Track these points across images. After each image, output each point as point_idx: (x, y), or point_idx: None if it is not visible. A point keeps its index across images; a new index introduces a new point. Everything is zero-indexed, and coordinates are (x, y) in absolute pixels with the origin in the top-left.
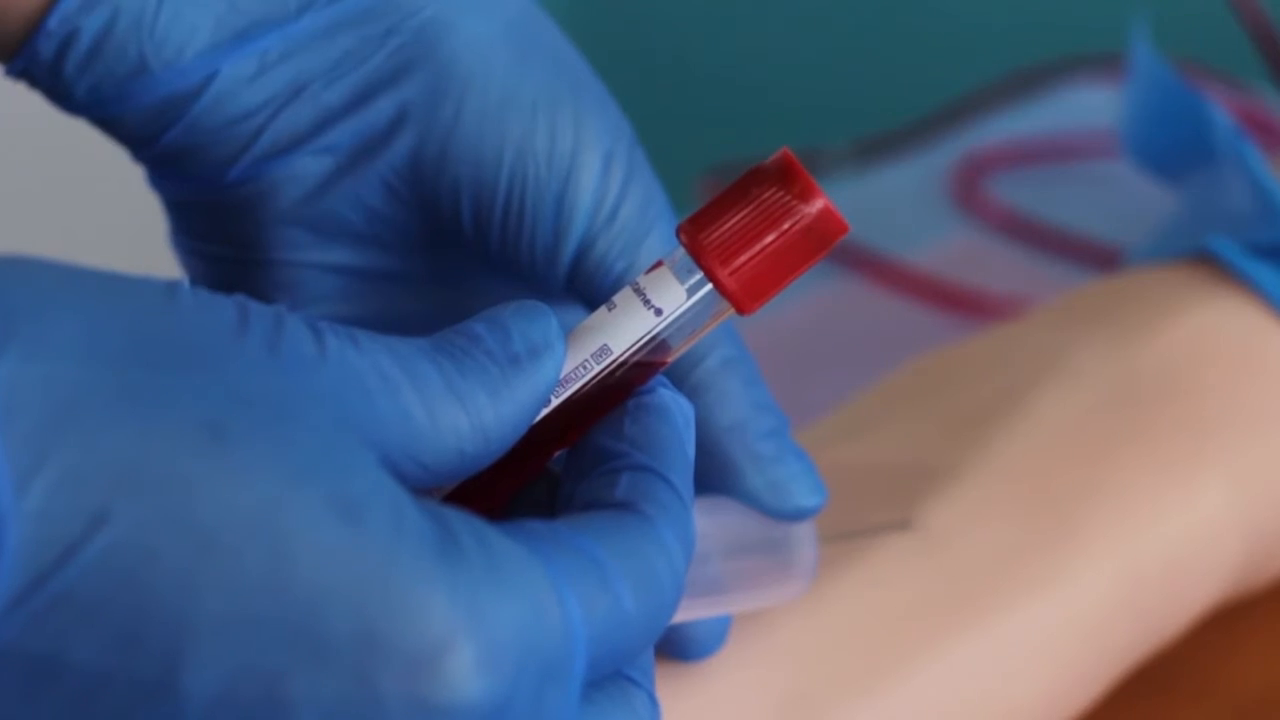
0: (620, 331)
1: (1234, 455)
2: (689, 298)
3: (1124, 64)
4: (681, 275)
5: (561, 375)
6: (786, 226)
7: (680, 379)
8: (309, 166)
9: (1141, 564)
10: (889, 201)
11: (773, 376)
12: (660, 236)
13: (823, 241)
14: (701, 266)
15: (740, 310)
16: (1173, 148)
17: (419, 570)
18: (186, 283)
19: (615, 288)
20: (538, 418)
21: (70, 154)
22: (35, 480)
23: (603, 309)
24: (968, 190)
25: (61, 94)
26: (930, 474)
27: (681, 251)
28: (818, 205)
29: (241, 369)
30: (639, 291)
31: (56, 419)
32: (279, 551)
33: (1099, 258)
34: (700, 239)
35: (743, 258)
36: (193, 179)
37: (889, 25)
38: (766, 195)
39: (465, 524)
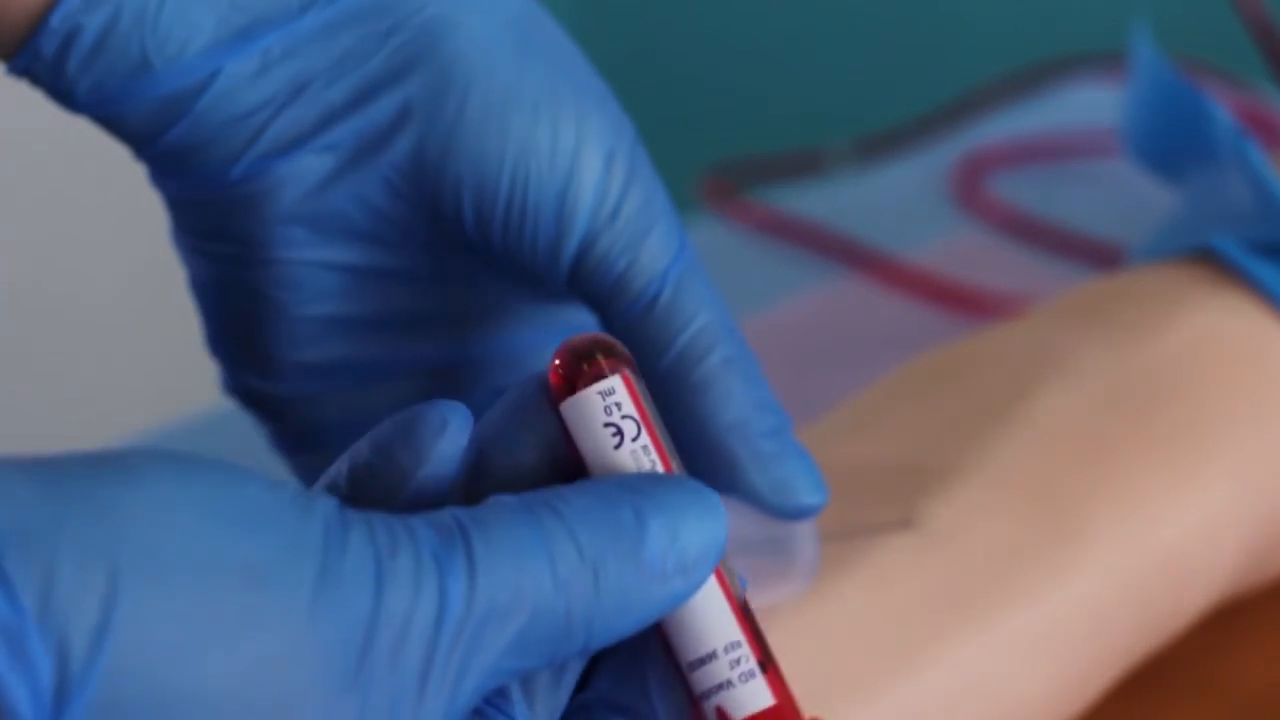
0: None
1: (1236, 453)
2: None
3: (1125, 62)
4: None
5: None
6: None
7: (682, 377)
8: (311, 164)
9: (1143, 562)
10: (890, 200)
11: (774, 375)
12: (661, 235)
13: None
14: None
15: None
16: (1174, 146)
17: None
18: (324, 523)
19: (617, 286)
20: None
21: (72, 152)
22: None
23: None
24: (969, 189)
25: (63, 92)
26: (932, 472)
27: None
28: None
29: None
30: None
31: None
32: None
33: (1100, 256)
34: None
35: None
36: (195, 177)
37: (889, 25)
38: None
39: None
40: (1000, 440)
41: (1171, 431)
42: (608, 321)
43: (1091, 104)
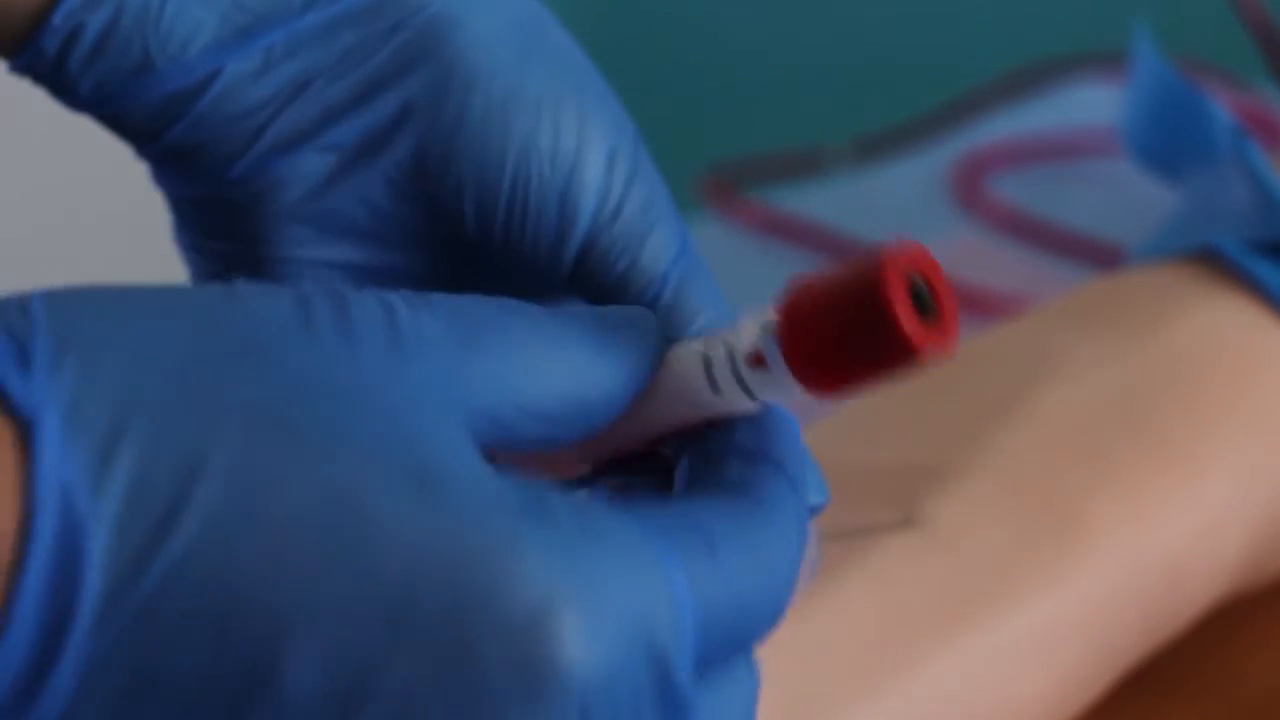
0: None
1: (1237, 453)
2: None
3: (1126, 62)
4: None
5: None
6: (888, 368)
7: None
8: (313, 163)
9: (1145, 562)
10: (890, 200)
11: None
12: (663, 235)
13: (908, 370)
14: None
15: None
16: (1174, 146)
17: (508, 534)
18: (243, 281)
19: (618, 286)
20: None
21: (74, 151)
22: (108, 488)
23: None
24: (969, 189)
25: (65, 90)
26: (932, 473)
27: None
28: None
29: (305, 356)
30: (744, 387)
31: (123, 424)
32: (358, 531)
33: (1101, 256)
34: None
35: (832, 381)
36: (196, 176)
37: (889, 24)
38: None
39: (553, 489)
40: (1000, 440)
41: (1171, 431)
42: None
43: (1091, 104)
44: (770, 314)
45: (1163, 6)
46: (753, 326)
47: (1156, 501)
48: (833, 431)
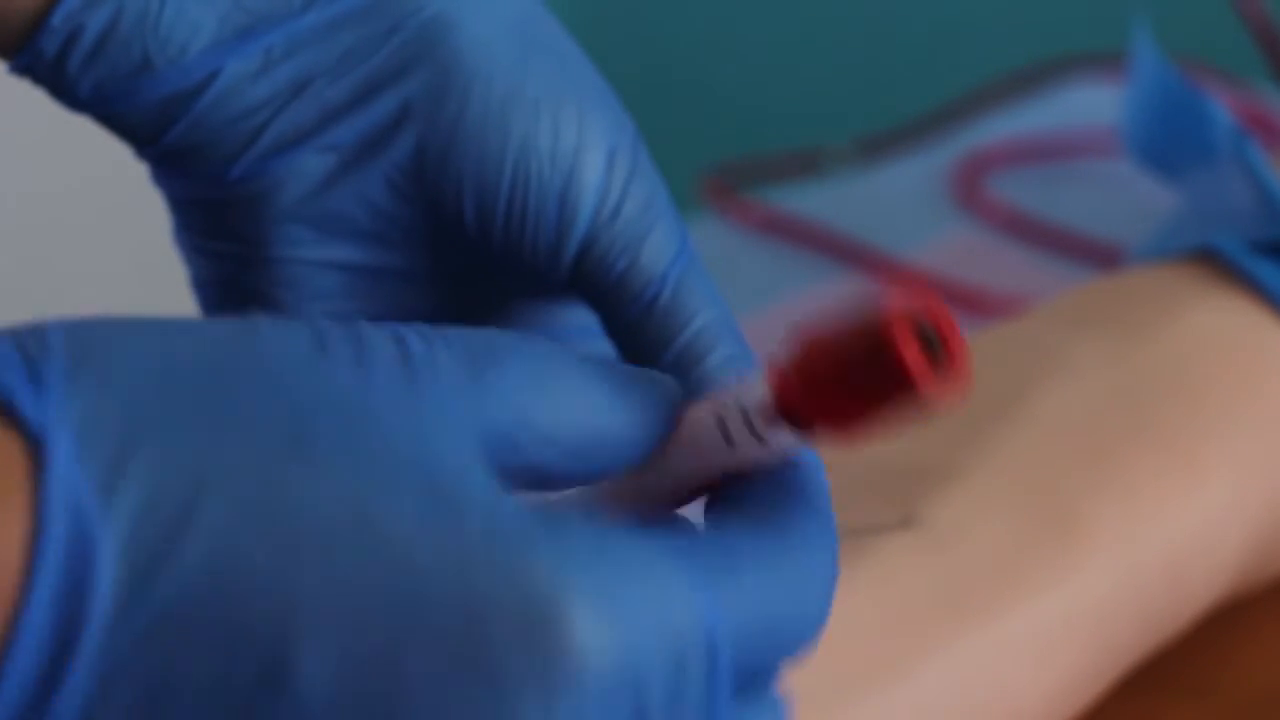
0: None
1: (1237, 452)
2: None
3: (1125, 62)
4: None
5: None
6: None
7: (682, 376)
8: (312, 163)
9: (1144, 562)
10: (890, 200)
11: None
12: (662, 234)
13: (918, 414)
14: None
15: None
16: (1174, 146)
17: (520, 537)
18: (260, 315)
19: (617, 286)
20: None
21: (74, 151)
22: (119, 500)
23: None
24: (969, 188)
25: (65, 91)
26: (931, 472)
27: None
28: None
29: (318, 380)
30: (756, 435)
31: (134, 438)
32: (367, 537)
33: (1100, 256)
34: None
35: (842, 428)
36: (196, 176)
37: (890, 24)
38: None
39: (569, 509)
40: (1000, 440)
41: (1172, 431)
42: (608, 321)
43: (1091, 104)
44: (778, 362)
45: (1163, 6)
46: (762, 378)
47: (1157, 501)
48: None
